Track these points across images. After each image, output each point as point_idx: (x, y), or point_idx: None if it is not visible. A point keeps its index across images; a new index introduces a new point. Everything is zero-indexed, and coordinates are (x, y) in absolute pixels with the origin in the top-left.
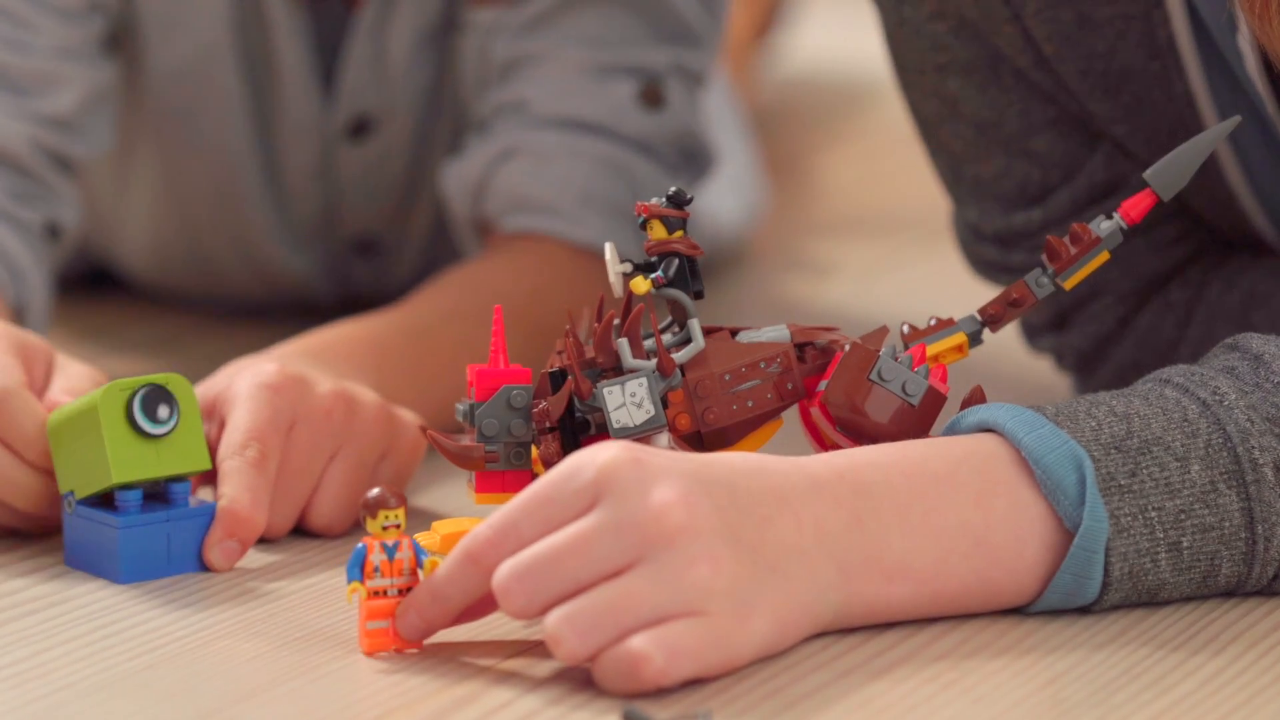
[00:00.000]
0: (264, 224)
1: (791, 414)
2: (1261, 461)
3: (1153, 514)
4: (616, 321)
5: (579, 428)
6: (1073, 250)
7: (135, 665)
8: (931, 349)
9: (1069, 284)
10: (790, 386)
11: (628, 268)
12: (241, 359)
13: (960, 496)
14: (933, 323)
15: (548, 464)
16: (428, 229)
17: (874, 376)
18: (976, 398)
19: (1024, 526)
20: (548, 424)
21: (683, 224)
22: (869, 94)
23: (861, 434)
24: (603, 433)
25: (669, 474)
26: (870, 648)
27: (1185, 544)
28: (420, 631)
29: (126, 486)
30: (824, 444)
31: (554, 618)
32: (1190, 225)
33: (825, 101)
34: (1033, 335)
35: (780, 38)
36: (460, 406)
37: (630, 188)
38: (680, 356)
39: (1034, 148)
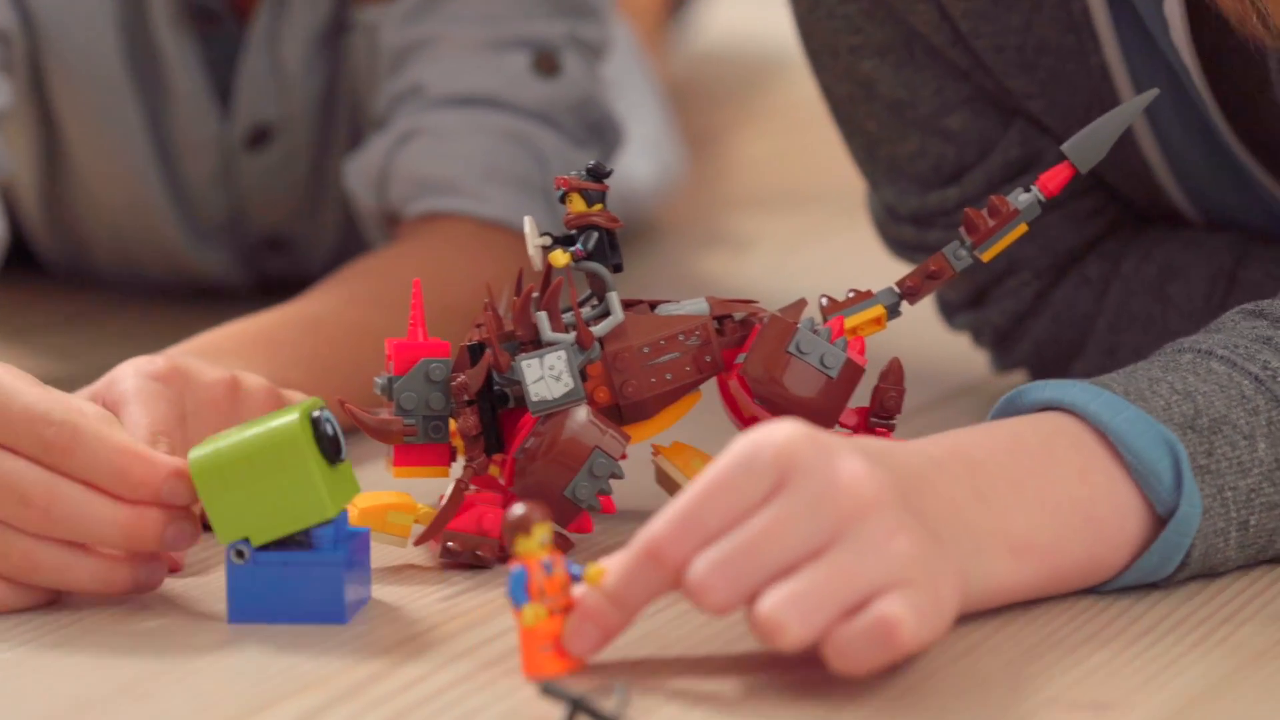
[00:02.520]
0: (174, 228)
1: (710, 387)
2: None
3: (1228, 494)
4: (535, 295)
5: (497, 401)
6: (990, 223)
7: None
8: (849, 321)
9: (987, 256)
10: (709, 359)
11: (546, 241)
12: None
13: (1065, 472)
14: (851, 295)
15: (465, 437)
16: (338, 223)
17: (792, 349)
18: (894, 370)
19: (1122, 503)
20: (466, 397)
21: (602, 197)
22: (784, 68)
23: (779, 406)
24: (521, 406)
25: (844, 448)
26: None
27: (1253, 522)
28: (597, 644)
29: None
30: (742, 417)
31: (772, 605)
32: (1106, 199)
33: (740, 76)
34: (950, 312)
35: (693, 12)
36: (379, 380)
37: (535, 160)
38: (599, 329)
39: (949, 126)
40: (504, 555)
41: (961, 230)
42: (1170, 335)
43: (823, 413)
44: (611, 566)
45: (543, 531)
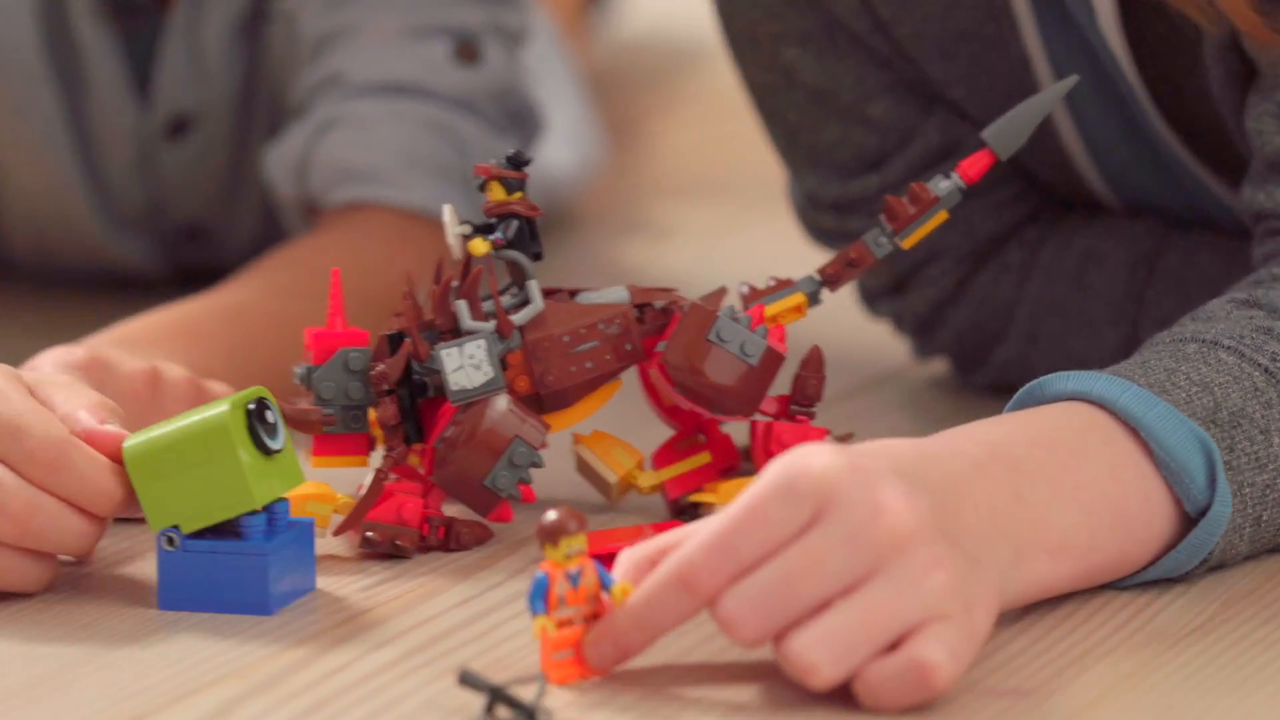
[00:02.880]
0: (92, 218)
1: (630, 375)
2: None
3: (1247, 490)
4: (455, 283)
5: (417, 390)
6: (911, 210)
7: None
8: (770, 309)
9: (907, 243)
10: (629, 348)
11: (466, 229)
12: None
13: (1097, 469)
14: (771, 283)
15: (385, 426)
16: (257, 213)
17: (713, 337)
18: (815, 358)
19: (1152, 500)
20: (385, 386)
21: (521, 185)
22: (706, 56)
23: (700, 395)
24: (441, 395)
25: (883, 476)
26: None
27: (1265, 518)
28: (614, 660)
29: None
30: (662, 405)
31: (804, 644)
32: (1026, 186)
33: (662, 64)
34: (871, 300)
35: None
36: (297, 370)
37: (456, 148)
38: (519, 318)
39: (870, 114)
40: (424, 545)
41: (882, 217)
42: (1092, 322)
43: (743, 400)
44: (640, 588)
45: (571, 544)
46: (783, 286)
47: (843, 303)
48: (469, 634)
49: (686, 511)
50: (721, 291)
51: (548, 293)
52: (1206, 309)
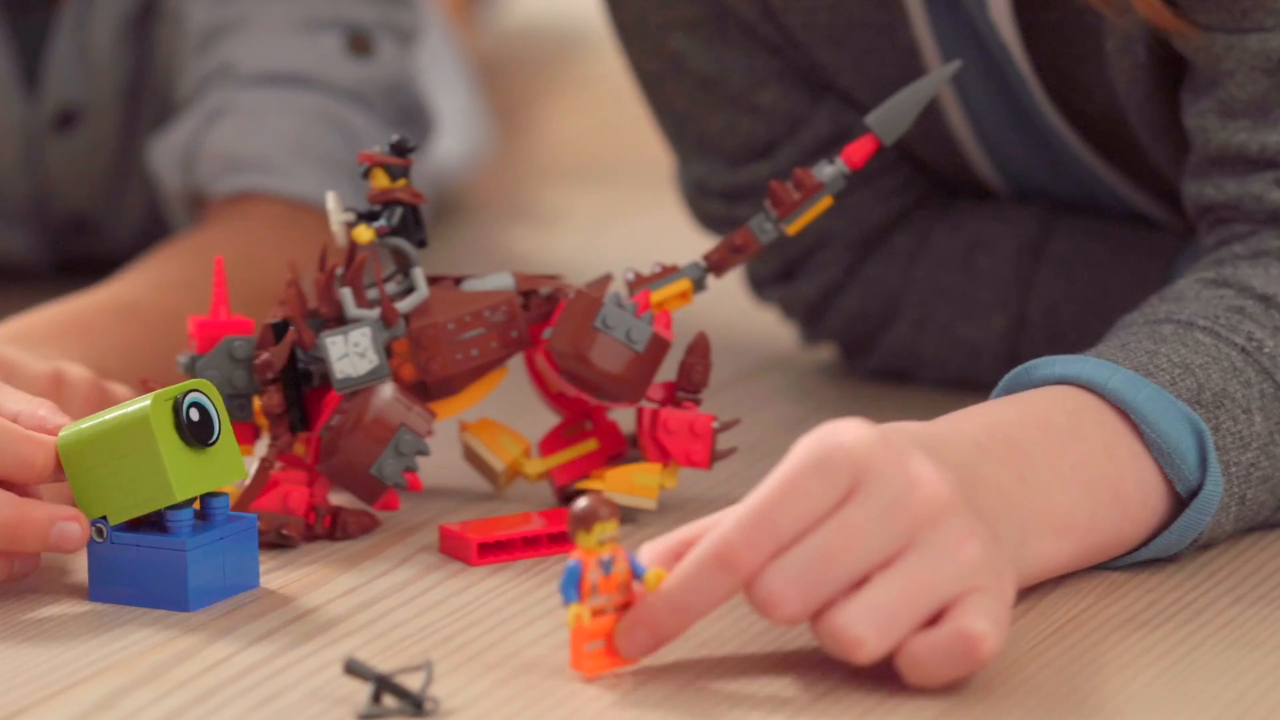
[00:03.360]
0: None
1: (516, 363)
2: None
3: (1233, 469)
4: (339, 271)
5: (301, 379)
6: (796, 195)
7: None
8: (656, 296)
9: (792, 229)
10: (515, 335)
11: (350, 217)
12: None
13: (1093, 450)
14: (657, 269)
15: (270, 415)
16: (143, 205)
17: (598, 324)
18: (701, 344)
19: (1145, 480)
20: (270, 375)
21: (405, 172)
22: (593, 43)
23: (586, 382)
24: (326, 384)
25: (912, 449)
26: None
27: (1249, 496)
28: (649, 648)
29: (177, 505)
30: (549, 392)
31: (848, 618)
32: (914, 173)
33: (548, 50)
34: (760, 286)
35: None
36: (181, 359)
37: (346, 139)
38: (404, 305)
39: (759, 102)
40: (310, 534)
41: (767, 203)
42: (979, 307)
43: (629, 387)
44: (675, 571)
45: (604, 530)
46: (668, 273)
47: (729, 289)
48: (355, 623)
49: (573, 498)
50: (607, 278)
51: (433, 280)
52: (1174, 289)
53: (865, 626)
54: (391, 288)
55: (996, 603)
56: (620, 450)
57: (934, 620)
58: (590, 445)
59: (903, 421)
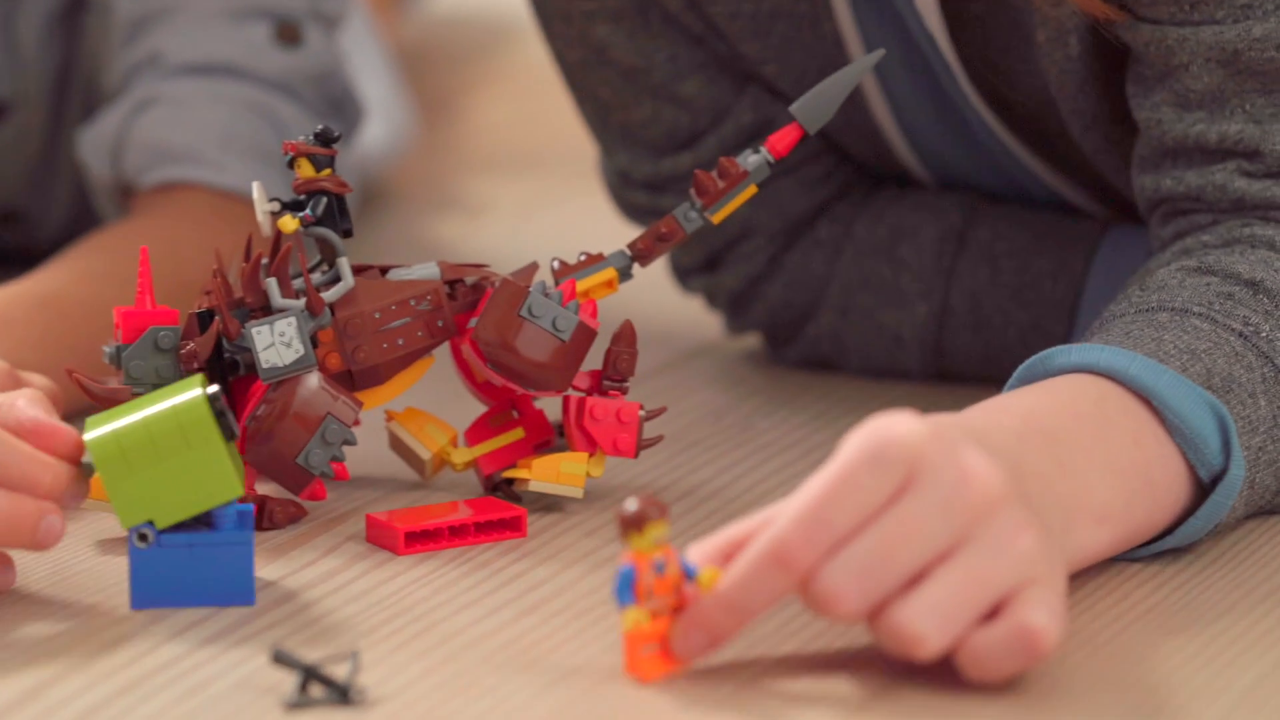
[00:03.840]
0: None
1: (443, 351)
2: None
3: (1245, 453)
4: (265, 261)
5: (227, 368)
6: (720, 184)
7: None
8: (581, 284)
9: (717, 218)
10: (441, 324)
11: (275, 206)
12: None
13: (1122, 438)
14: (582, 258)
15: None
16: (70, 197)
17: (524, 313)
18: (627, 333)
19: (1171, 466)
20: (195, 365)
21: (330, 162)
22: (517, 32)
23: (512, 370)
24: (251, 373)
25: (962, 440)
26: None
27: (1258, 479)
28: (705, 650)
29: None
30: (475, 381)
31: (908, 615)
32: (838, 163)
33: (475, 40)
34: (684, 276)
35: None
36: (107, 349)
37: (274, 130)
38: (329, 295)
39: (683, 93)
40: None
41: (692, 192)
42: (902, 296)
43: (556, 376)
44: (730, 570)
45: (657, 530)
46: (594, 261)
47: (655, 278)
48: (282, 613)
49: (500, 487)
50: (533, 267)
51: (358, 269)
52: (1155, 279)
53: (926, 623)
54: (317, 277)
55: (1054, 595)
56: (547, 439)
57: (992, 614)
58: (517, 434)
59: (942, 414)
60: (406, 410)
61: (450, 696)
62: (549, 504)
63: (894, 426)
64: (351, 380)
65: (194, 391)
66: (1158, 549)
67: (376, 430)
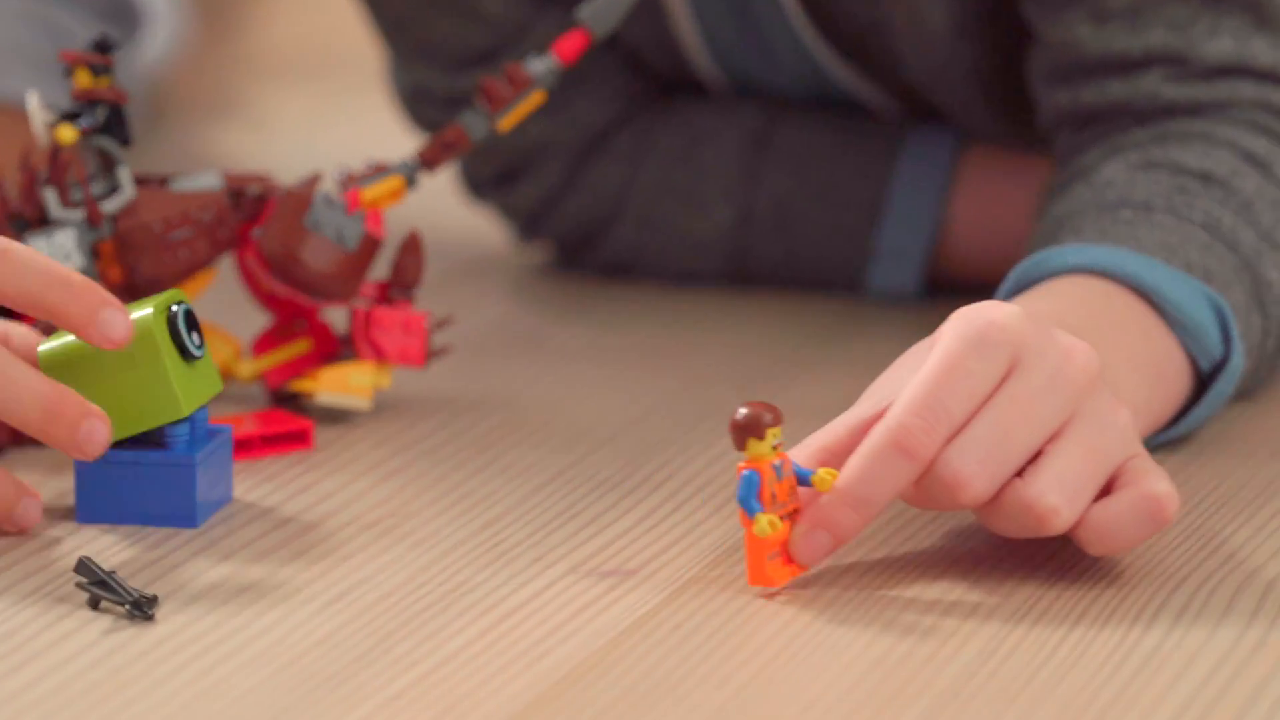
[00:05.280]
0: None
1: (226, 262)
2: (1273, 279)
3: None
4: (42, 172)
5: None
6: (507, 91)
7: None
8: (367, 194)
9: (504, 124)
10: (224, 235)
11: (52, 116)
12: None
13: (1133, 333)
14: (368, 168)
15: None
16: None
17: (308, 223)
18: (413, 242)
19: (1177, 359)
20: None
21: (109, 70)
22: None
23: (298, 280)
24: None
25: (1048, 323)
26: None
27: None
28: (829, 550)
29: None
30: (261, 292)
31: (1039, 490)
32: (635, 74)
33: None
34: (478, 189)
35: None
36: None
37: (54, 39)
38: (109, 206)
39: (483, 10)
40: (17, 440)
41: (479, 99)
42: (704, 201)
43: (342, 286)
44: (849, 466)
45: (775, 435)
46: (379, 170)
47: (442, 188)
48: (63, 530)
49: (286, 400)
50: (316, 177)
51: (139, 180)
52: (1102, 177)
53: (1058, 495)
54: (96, 188)
55: (1154, 465)
56: (334, 350)
57: (1105, 489)
58: (304, 346)
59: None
60: None
61: (239, 610)
62: (336, 416)
63: (990, 312)
64: (134, 292)
65: (146, 310)
66: (1164, 438)
67: None
